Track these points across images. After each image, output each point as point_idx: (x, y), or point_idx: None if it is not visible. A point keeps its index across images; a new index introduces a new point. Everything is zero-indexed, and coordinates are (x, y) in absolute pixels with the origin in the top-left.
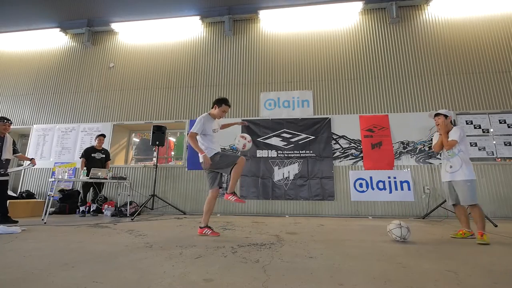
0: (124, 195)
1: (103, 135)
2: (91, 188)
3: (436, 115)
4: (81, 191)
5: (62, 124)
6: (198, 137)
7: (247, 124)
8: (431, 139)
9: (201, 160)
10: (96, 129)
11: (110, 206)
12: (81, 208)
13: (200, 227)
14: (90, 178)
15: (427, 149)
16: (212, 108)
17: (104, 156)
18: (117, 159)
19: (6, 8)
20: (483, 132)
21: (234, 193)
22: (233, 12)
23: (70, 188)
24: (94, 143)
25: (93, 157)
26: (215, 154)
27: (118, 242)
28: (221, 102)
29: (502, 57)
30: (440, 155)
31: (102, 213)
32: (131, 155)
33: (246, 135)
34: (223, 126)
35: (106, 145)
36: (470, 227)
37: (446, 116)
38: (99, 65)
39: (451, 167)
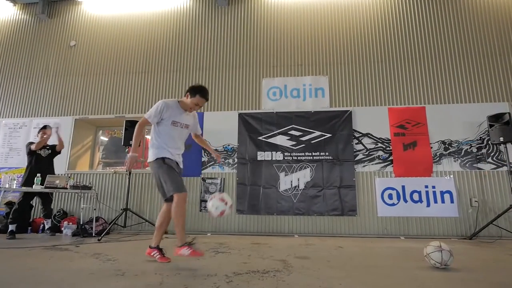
0: (88, 209)
1: (47, 127)
2: (36, 197)
3: None
4: (17, 202)
5: (9, 119)
6: (152, 132)
7: (222, 162)
8: (480, 137)
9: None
10: (53, 124)
11: (70, 223)
12: (10, 227)
13: (150, 247)
14: (46, 187)
15: (475, 150)
16: (185, 95)
17: (50, 151)
18: (79, 163)
19: None
20: None
21: (187, 244)
22: None
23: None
24: (37, 139)
25: (39, 155)
26: (157, 159)
27: (82, 268)
28: (196, 91)
29: None
30: None
31: (61, 232)
32: (98, 158)
33: (226, 197)
34: (198, 141)
35: (65, 144)
36: None
37: None
38: (57, 44)
39: None
